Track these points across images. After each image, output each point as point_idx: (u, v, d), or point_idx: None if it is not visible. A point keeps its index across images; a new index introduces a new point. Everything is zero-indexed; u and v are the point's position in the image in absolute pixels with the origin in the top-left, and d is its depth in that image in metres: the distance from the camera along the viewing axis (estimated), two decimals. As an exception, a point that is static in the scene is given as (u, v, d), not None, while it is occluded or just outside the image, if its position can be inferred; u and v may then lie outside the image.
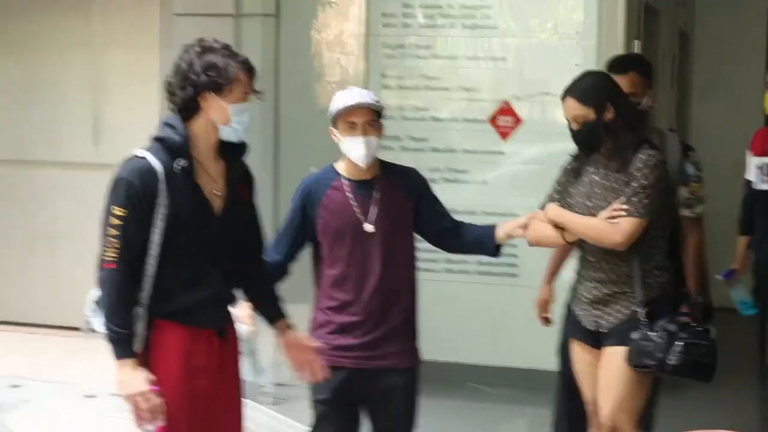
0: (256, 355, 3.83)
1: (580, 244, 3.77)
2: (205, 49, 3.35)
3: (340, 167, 3.79)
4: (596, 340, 3.70)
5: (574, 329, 3.84)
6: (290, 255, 3.89)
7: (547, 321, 4.36)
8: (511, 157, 5.74)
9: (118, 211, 3.28)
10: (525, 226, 3.80)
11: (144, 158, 3.29)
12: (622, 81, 3.99)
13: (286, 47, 5.98)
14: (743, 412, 5.38)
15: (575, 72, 5.42)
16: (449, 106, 5.84)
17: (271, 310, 3.62)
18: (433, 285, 4.90)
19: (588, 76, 3.95)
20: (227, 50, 3.38)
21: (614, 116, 3.68)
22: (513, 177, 5.77)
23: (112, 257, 3.28)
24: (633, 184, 3.55)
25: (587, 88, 3.76)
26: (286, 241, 3.85)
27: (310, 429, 3.91)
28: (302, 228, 3.81)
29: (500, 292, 5.50)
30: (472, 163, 5.71)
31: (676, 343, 3.54)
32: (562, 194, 3.86)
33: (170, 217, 3.30)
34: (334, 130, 3.75)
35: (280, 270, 3.87)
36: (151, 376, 3.31)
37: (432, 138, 5.71)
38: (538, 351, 5.16)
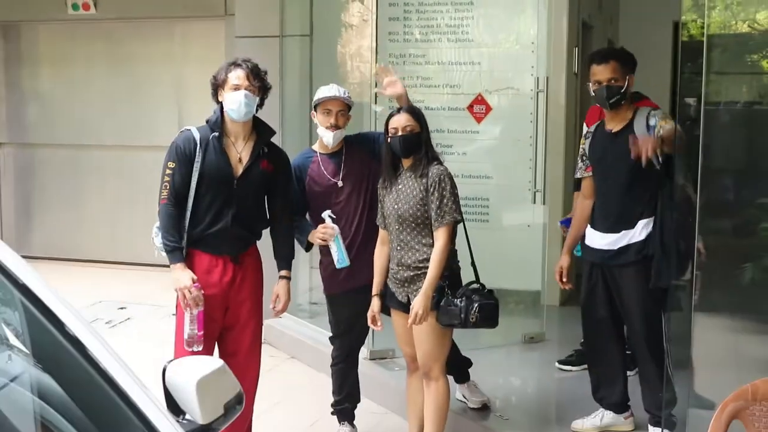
0: (342, 247, 4.25)
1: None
2: (229, 62, 3.97)
3: (316, 146, 4.32)
4: (407, 308, 3.96)
5: (391, 301, 4.06)
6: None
7: (565, 285, 4.37)
8: (484, 135, 6.25)
9: (170, 164, 3.84)
10: None
11: (189, 130, 3.89)
12: (604, 69, 4.12)
13: (318, 59, 6.58)
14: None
15: (531, 72, 6.06)
16: (439, 99, 6.26)
17: (279, 260, 4.09)
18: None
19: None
20: (237, 63, 3.89)
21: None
22: (485, 150, 6.35)
23: (165, 195, 3.84)
24: None
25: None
26: (301, 203, 4.31)
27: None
28: (304, 193, 4.31)
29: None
30: (455, 140, 6.19)
31: (474, 304, 3.85)
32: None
33: (202, 171, 3.82)
34: (314, 113, 4.20)
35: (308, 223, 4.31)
36: (194, 276, 3.82)
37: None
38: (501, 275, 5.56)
